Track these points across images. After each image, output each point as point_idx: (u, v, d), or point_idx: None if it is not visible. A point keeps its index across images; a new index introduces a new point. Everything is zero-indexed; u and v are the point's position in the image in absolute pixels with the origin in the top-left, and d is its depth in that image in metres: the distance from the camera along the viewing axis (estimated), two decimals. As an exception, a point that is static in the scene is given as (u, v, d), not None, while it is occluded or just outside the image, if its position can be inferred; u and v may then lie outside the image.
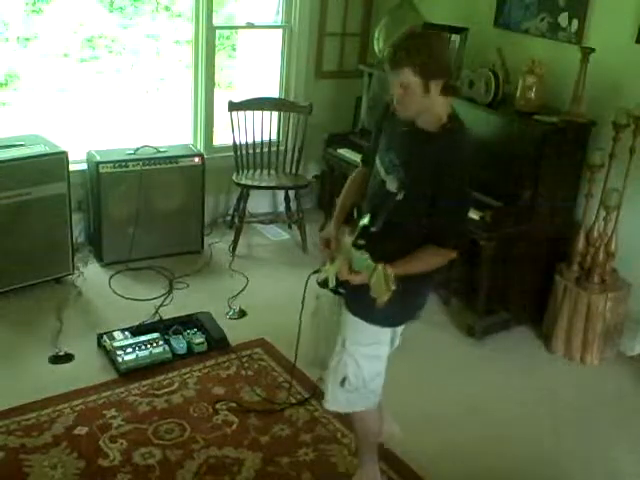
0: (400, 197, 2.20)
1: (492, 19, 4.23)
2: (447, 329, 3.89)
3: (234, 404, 3.12)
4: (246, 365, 3.40)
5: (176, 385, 3.22)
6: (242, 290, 4.09)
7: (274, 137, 4.88)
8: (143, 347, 3.33)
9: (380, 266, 1.93)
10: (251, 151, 4.63)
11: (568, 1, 3.82)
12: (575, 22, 3.79)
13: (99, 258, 4.26)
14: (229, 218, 4.93)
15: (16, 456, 2.72)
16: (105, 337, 3.40)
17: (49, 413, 2.97)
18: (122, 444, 2.84)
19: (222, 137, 4.91)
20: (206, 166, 4.39)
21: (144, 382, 3.21)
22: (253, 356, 3.48)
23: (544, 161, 3.60)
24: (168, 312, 3.76)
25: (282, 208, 5.05)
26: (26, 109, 5.62)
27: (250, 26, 4.88)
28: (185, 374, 3.30)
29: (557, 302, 3.73)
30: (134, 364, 3.25)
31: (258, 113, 4.60)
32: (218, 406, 3.10)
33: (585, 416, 3.27)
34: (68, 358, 3.35)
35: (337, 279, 2.24)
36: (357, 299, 2.29)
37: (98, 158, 4.11)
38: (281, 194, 5.03)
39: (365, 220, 2.18)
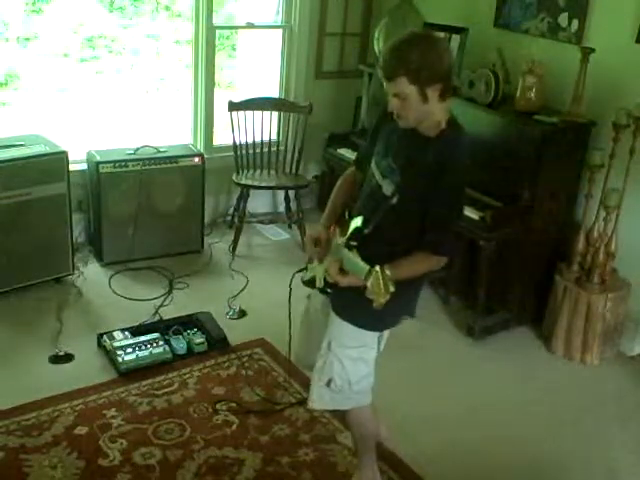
0: (395, 201, 2.19)
1: (492, 19, 4.23)
2: (447, 329, 3.89)
3: (234, 404, 3.12)
4: (246, 365, 3.40)
5: (176, 385, 3.22)
6: (242, 290, 4.08)
7: (274, 137, 4.87)
8: (143, 347, 3.33)
9: (379, 268, 1.92)
10: (251, 151, 4.63)
11: (568, 1, 3.82)
12: (575, 22, 3.79)
13: (99, 258, 4.26)
14: (229, 218, 4.93)
15: (16, 456, 2.72)
16: (105, 337, 3.40)
17: (49, 413, 2.96)
18: (122, 444, 2.83)
19: (222, 137, 4.90)
20: (206, 166, 4.39)
21: (144, 382, 3.20)
22: (253, 356, 3.48)
23: (544, 161, 3.60)
24: (168, 312, 3.76)
25: (282, 208, 5.05)
26: (26, 109, 5.62)
27: (250, 26, 4.88)
28: (185, 374, 3.30)
29: (557, 302, 3.73)
30: (134, 364, 3.25)
31: (258, 113, 4.60)
32: (218, 406, 3.10)
33: (585, 416, 3.27)
34: (68, 358, 3.35)
35: (325, 279, 2.21)
36: (344, 301, 2.28)
37: (98, 158, 4.11)
38: (281, 194, 5.03)
39: (358, 222, 2.15)
